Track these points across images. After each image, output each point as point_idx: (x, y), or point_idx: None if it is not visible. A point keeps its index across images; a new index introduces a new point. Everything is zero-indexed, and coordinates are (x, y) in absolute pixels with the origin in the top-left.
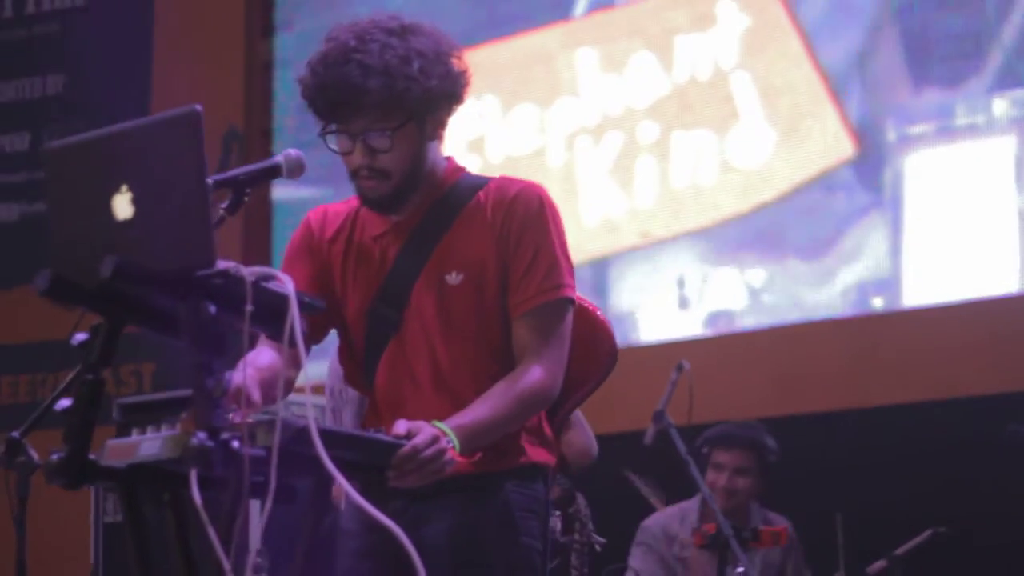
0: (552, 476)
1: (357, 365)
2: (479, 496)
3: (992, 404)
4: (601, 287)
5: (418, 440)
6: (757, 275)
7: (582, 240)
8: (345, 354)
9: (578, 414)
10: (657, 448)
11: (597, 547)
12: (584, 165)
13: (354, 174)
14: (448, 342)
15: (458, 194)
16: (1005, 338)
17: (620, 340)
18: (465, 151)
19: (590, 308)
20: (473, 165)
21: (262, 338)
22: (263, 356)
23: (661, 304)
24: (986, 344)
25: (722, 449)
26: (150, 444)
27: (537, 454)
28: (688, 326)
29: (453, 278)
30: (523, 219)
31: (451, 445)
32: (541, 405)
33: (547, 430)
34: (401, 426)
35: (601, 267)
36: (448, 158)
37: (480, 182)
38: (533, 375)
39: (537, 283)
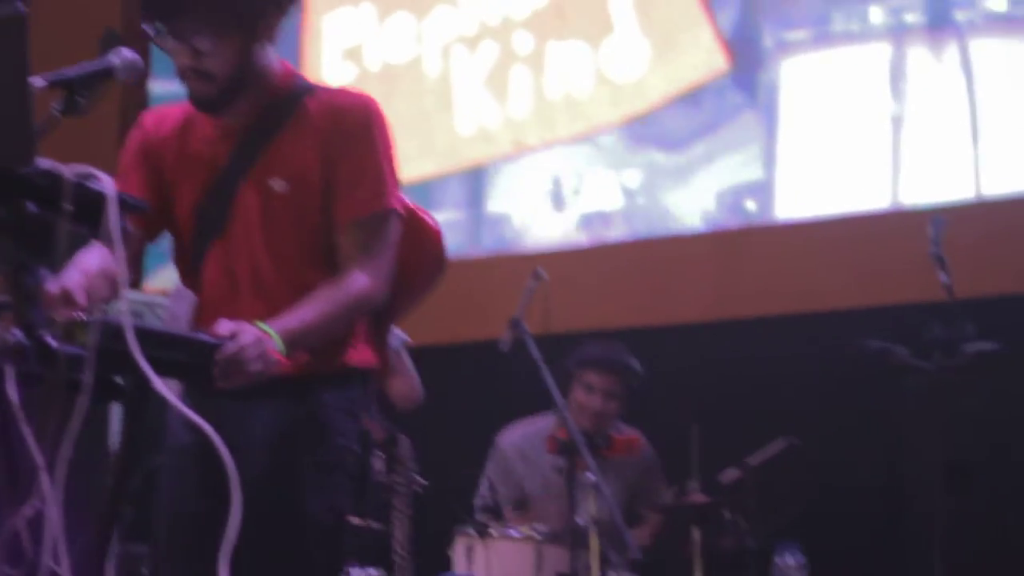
0: (373, 379)
1: (186, 265)
2: (297, 398)
3: (852, 319)
4: (476, 195)
5: (242, 340)
6: (631, 179)
7: (457, 148)
8: (177, 254)
9: (405, 359)
10: (514, 355)
11: (419, 488)
12: (460, 74)
13: (181, 75)
14: (269, 248)
15: (289, 100)
16: (869, 254)
17: (494, 248)
18: (341, 59)
19: (420, 215)
20: (349, 74)
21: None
22: (95, 259)
23: (535, 212)
24: (850, 260)
25: (594, 371)
26: None
27: (358, 357)
28: (562, 232)
29: (278, 184)
30: (350, 130)
31: (275, 346)
32: (365, 311)
33: (370, 335)
34: (224, 326)
35: (477, 176)
36: (282, 62)
37: (311, 89)
38: (358, 281)
39: (361, 194)
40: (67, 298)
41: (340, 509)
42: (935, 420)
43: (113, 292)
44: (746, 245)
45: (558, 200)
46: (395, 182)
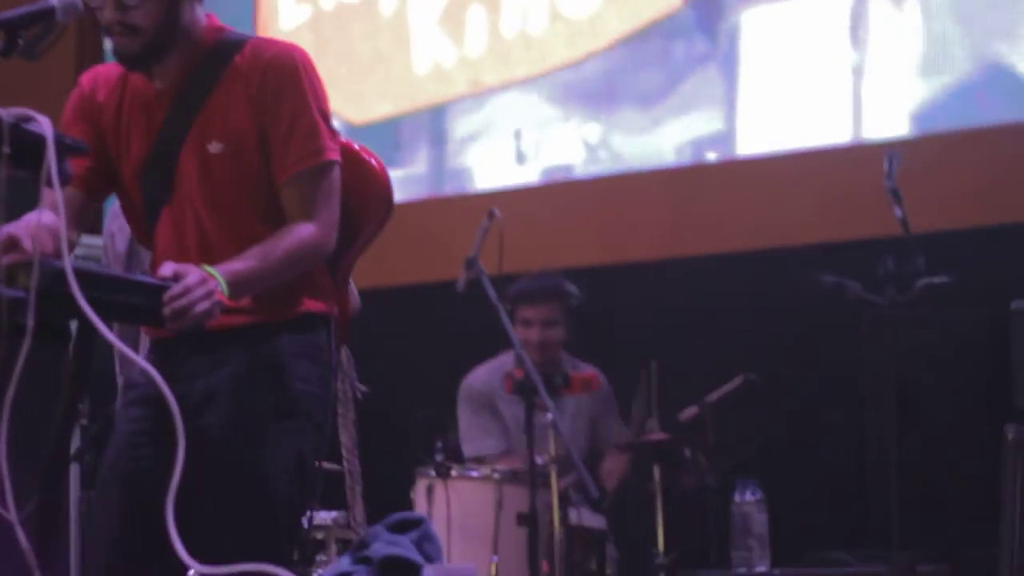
0: (335, 325)
1: (140, 226)
2: (256, 346)
3: (808, 254)
4: (436, 136)
5: (187, 280)
6: (591, 127)
7: (415, 88)
8: (129, 215)
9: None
10: (471, 295)
11: (359, 395)
12: (415, 13)
13: (107, 30)
14: (213, 211)
15: (218, 58)
16: (826, 189)
17: (453, 189)
18: (295, 1)
19: (365, 158)
20: (304, 13)
21: (47, 203)
22: (42, 215)
23: (495, 153)
24: (806, 195)
25: (527, 305)
26: None
27: (315, 304)
28: (522, 176)
29: (215, 147)
30: (278, 84)
31: (219, 288)
32: (312, 258)
33: (326, 281)
34: (167, 268)
35: (436, 115)
36: (208, 15)
37: (238, 44)
38: (303, 230)
39: (297, 149)
40: (11, 243)
41: (303, 455)
42: (889, 354)
43: (51, 245)
44: (700, 182)
45: (520, 155)
46: (330, 131)
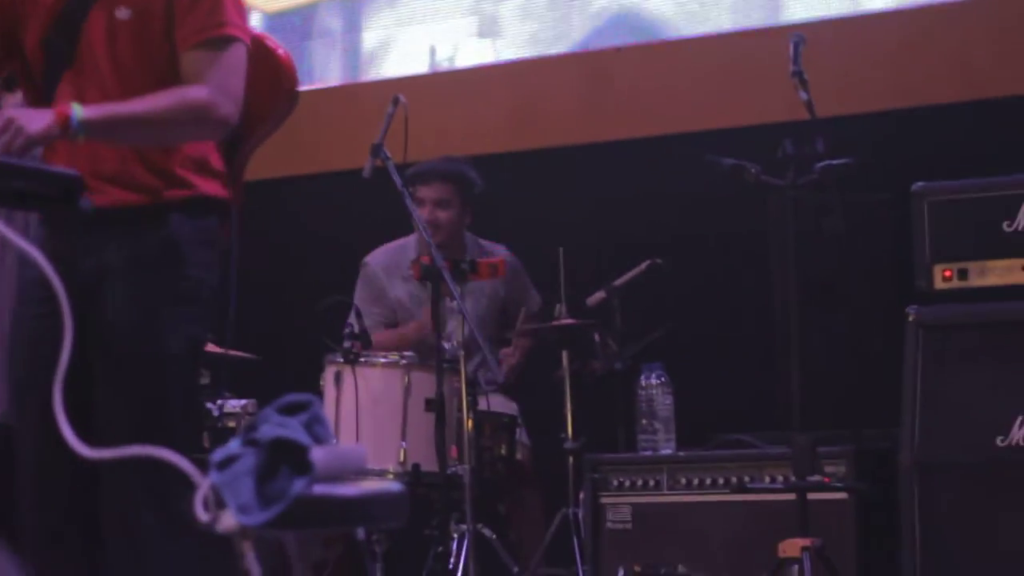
0: (228, 211)
1: (35, 96)
2: (151, 228)
3: (716, 139)
4: (349, 24)
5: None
6: (505, 8)
7: None
8: (26, 85)
9: None
10: (376, 182)
11: None
12: None
13: None
14: (118, 77)
15: None
16: (735, 72)
17: (367, 76)
18: None
19: (272, 47)
20: None
21: None
22: None
23: (406, 40)
24: (715, 79)
25: (421, 184)
26: None
27: (207, 186)
28: (432, 63)
29: (122, 13)
30: None
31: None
32: (201, 121)
33: (218, 164)
34: None
35: (347, 2)
36: None
37: None
38: (197, 90)
39: (201, 19)
40: None
41: (196, 339)
42: (791, 237)
43: None
44: (611, 66)
45: (432, 41)
46: (238, 11)
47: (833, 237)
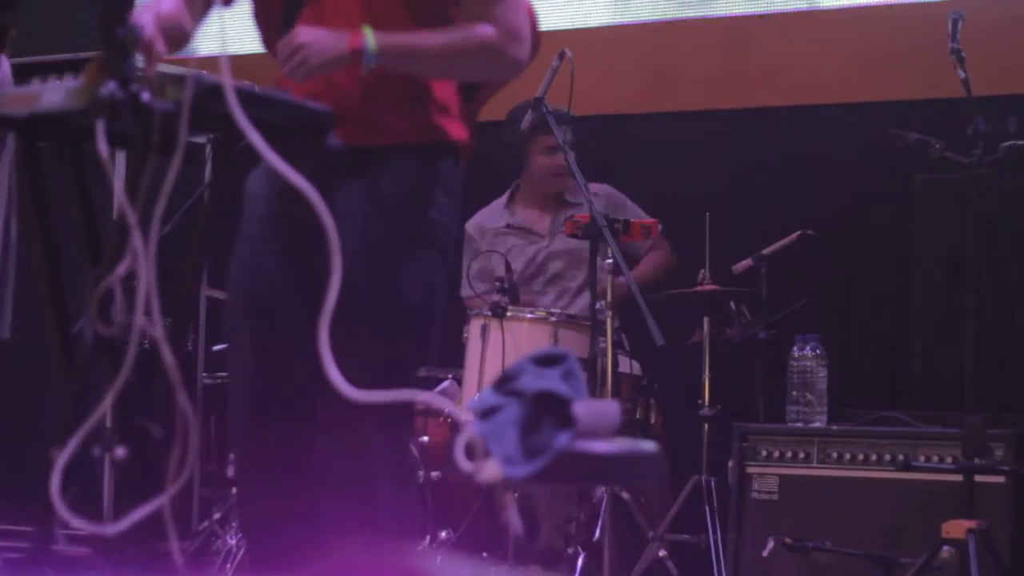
0: (465, 155)
1: (272, 28)
2: (390, 166)
3: (872, 111)
4: None
5: (303, 36)
6: None
7: None
8: (261, 17)
9: None
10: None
11: None
12: None
13: None
14: (369, 11)
15: None
16: (889, 46)
17: None
18: None
19: None
20: None
21: None
22: (165, 3)
23: None
24: (868, 50)
25: (543, 134)
26: (53, 94)
27: (452, 130)
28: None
29: None
30: None
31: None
32: (495, 61)
33: (461, 108)
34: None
35: None
36: None
37: None
38: (484, 29)
39: None
40: (146, 48)
41: (433, 285)
42: (946, 219)
43: (174, 46)
44: (757, 32)
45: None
46: None
47: (988, 217)
